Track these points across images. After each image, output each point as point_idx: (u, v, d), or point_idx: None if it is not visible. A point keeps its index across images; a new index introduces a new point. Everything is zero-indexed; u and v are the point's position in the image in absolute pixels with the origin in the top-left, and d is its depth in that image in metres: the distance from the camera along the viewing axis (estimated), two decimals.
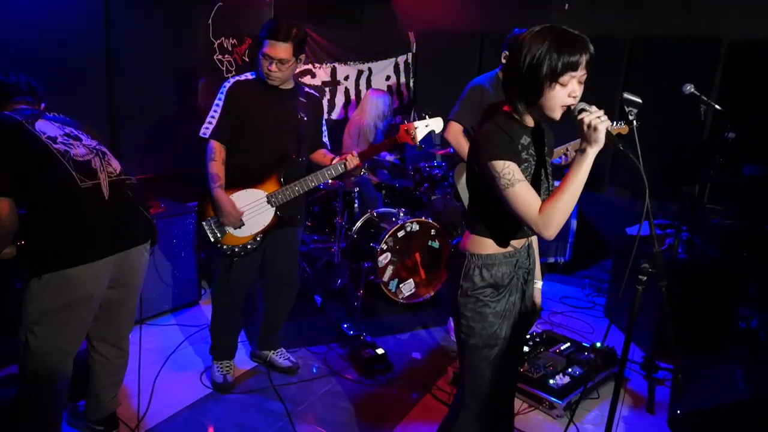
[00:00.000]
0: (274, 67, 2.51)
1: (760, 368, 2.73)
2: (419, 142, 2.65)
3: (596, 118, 1.43)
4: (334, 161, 2.69)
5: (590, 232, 4.87)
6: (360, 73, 5.51)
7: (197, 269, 3.78)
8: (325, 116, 5.36)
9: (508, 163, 1.51)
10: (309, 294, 3.97)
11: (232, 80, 2.62)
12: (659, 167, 4.41)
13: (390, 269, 3.82)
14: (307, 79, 5.24)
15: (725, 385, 2.65)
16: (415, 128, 2.61)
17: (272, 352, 3.06)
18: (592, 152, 1.45)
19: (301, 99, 2.72)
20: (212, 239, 2.63)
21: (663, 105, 3.88)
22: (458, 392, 1.85)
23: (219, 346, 2.89)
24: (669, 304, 2.36)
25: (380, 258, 3.76)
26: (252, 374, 3.01)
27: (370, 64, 5.55)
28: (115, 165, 2.21)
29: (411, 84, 5.84)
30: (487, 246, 1.69)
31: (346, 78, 5.45)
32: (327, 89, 5.39)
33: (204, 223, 2.63)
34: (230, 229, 2.62)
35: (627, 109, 1.60)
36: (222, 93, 2.59)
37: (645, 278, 1.77)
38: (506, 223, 1.66)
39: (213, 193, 2.54)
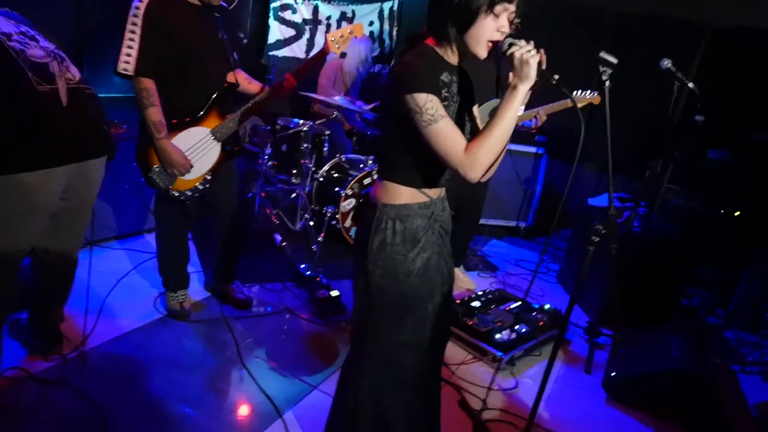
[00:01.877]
0: None
1: (694, 341, 2.88)
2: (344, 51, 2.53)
3: (527, 52, 1.39)
4: (264, 90, 2.54)
5: (554, 201, 4.95)
6: (343, 14, 5.35)
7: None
8: (303, 55, 5.25)
9: (431, 96, 1.41)
10: (269, 233, 3.95)
11: None
12: (628, 144, 4.47)
13: (353, 215, 3.82)
14: (287, 15, 5.06)
15: (660, 353, 2.79)
16: (340, 36, 2.46)
17: (226, 284, 3.05)
18: (523, 89, 1.41)
19: (217, 15, 2.47)
20: (163, 188, 2.48)
21: (638, 82, 3.89)
22: (358, 347, 1.71)
23: (170, 279, 2.85)
24: (617, 269, 2.44)
25: (344, 203, 3.74)
26: (204, 305, 3.00)
27: (354, 7, 5.38)
28: (74, 72, 2.10)
29: (394, 33, 5.70)
30: (401, 195, 1.57)
31: (328, 18, 5.28)
32: (307, 27, 5.22)
33: (151, 175, 2.45)
34: (179, 174, 2.48)
35: (601, 69, 1.58)
36: (136, 16, 2.19)
37: (597, 239, 1.81)
38: (423, 169, 1.56)
39: (158, 144, 2.34)
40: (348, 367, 1.76)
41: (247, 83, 2.63)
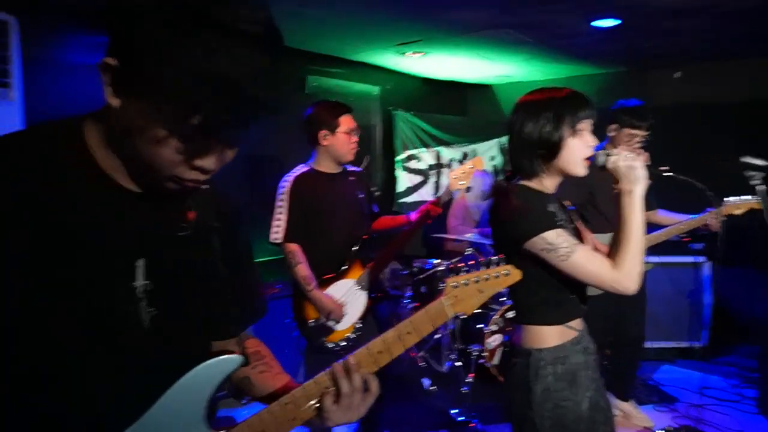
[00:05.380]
0: (356, 138, 2.65)
1: None
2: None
3: (628, 158, 1.42)
4: (412, 216, 2.70)
5: (730, 313, 4.34)
6: (465, 155, 5.63)
7: None
8: (431, 199, 5.52)
9: (559, 231, 1.42)
10: (416, 377, 3.88)
11: (290, 178, 2.61)
12: None
13: (500, 352, 3.65)
14: (412, 164, 5.44)
15: None
16: (461, 173, 2.60)
17: None
18: (638, 191, 1.42)
19: (351, 178, 2.76)
20: (319, 341, 2.63)
21: None
22: None
23: None
24: None
25: (489, 340, 3.61)
26: None
27: (474, 146, 5.66)
28: None
29: None
30: (552, 336, 1.51)
31: (451, 161, 5.58)
32: (432, 173, 5.54)
33: (308, 328, 2.62)
34: (333, 325, 2.61)
35: (748, 174, 1.47)
36: (283, 192, 2.57)
37: None
38: (564, 302, 1.53)
39: (311, 296, 2.54)
40: None
41: (392, 221, 2.88)
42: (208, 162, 0.76)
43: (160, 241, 0.88)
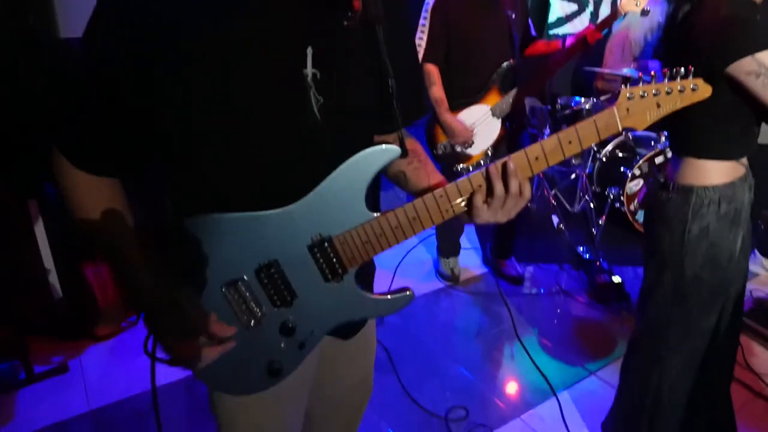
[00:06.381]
0: None
1: None
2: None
3: None
4: (566, 43, 2.49)
5: None
6: None
7: None
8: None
9: None
10: (546, 213, 3.90)
11: None
12: None
13: (640, 197, 3.50)
14: None
15: None
16: None
17: (502, 259, 3.15)
18: None
19: None
20: (449, 163, 2.69)
21: None
22: (658, 343, 1.56)
23: (443, 245, 3.09)
24: None
25: (630, 184, 3.45)
26: (481, 279, 3.16)
27: None
28: None
29: None
30: (719, 172, 1.37)
31: None
32: (591, 1, 4.91)
33: (436, 151, 2.68)
34: (462, 150, 2.65)
35: None
36: (426, 11, 2.49)
37: None
38: (743, 136, 1.36)
39: (441, 118, 2.56)
40: (640, 363, 1.64)
41: (547, 46, 2.72)
42: None
43: (328, 30, 0.90)
